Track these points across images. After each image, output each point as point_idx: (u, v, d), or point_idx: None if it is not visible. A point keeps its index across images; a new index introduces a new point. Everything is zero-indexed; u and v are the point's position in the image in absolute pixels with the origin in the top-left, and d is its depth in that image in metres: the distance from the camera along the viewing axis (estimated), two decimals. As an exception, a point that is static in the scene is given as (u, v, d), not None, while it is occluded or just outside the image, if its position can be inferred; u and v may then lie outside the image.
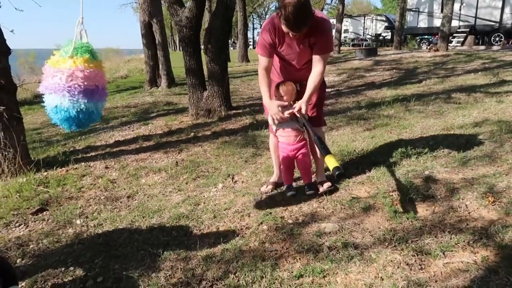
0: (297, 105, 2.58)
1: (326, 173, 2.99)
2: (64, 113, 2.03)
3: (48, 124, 6.40)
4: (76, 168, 3.92)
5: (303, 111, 2.55)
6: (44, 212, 3.01)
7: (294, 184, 2.93)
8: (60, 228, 2.73)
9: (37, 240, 2.55)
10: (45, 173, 3.78)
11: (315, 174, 3.03)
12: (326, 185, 2.85)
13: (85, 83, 2.01)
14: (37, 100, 10.32)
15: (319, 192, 2.83)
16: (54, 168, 3.88)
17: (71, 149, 4.71)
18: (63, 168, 3.92)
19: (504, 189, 2.54)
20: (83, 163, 4.06)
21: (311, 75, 2.60)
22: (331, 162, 2.24)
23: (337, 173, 2.18)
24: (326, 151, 2.35)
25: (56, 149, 4.68)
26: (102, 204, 3.09)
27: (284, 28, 2.39)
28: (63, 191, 3.40)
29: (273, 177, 3.12)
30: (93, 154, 4.42)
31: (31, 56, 36.54)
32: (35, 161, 3.87)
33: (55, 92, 2.01)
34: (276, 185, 3.05)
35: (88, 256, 2.31)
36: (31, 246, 2.49)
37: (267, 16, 57.77)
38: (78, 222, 2.80)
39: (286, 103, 2.67)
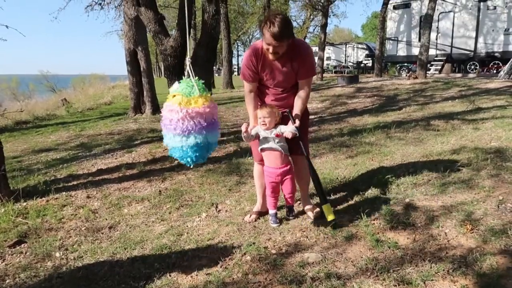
0: (286, 128, 2.67)
1: (312, 207, 3.02)
2: (201, 148, 2.23)
3: (29, 152, 6.31)
4: (56, 198, 3.85)
5: (296, 124, 2.66)
6: (22, 245, 2.93)
7: (277, 213, 2.94)
8: (39, 261, 2.66)
9: (14, 275, 2.48)
10: (25, 204, 3.70)
11: (300, 199, 3.08)
12: (315, 212, 2.92)
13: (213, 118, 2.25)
14: (18, 127, 10.17)
15: (311, 220, 2.87)
16: (34, 198, 3.80)
17: (52, 177, 4.63)
18: (43, 198, 3.85)
19: (482, 217, 2.60)
20: (64, 193, 3.99)
21: (298, 95, 2.74)
22: (328, 213, 2.63)
23: (332, 223, 2.65)
24: (325, 199, 2.68)
25: (36, 178, 4.59)
26: (83, 235, 3.03)
27: (266, 41, 2.49)
28: (42, 222, 3.32)
29: (256, 206, 3.13)
30: (74, 183, 4.35)
31: (13, 81, 36.18)
32: (16, 192, 3.79)
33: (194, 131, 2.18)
34: (260, 214, 3.06)
35: (67, 291, 2.25)
36: (7, 280, 2.42)
37: (251, 44, 58.97)
38: (57, 254, 2.74)
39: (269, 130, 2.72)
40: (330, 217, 2.62)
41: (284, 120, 2.79)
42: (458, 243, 2.34)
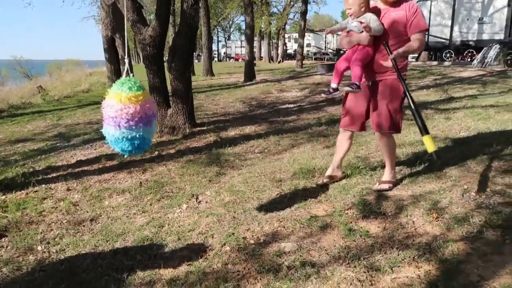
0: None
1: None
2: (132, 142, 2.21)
3: (5, 142, 6.21)
4: (36, 191, 3.85)
5: (391, 56, 2.84)
6: (3, 239, 2.95)
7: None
8: (20, 255, 2.70)
9: (-4, 269, 2.51)
10: (3, 197, 3.70)
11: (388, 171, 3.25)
12: (384, 186, 3.14)
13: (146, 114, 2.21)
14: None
15: (373, 188, 3.16)
16: (13, 191, 3.80)
17: (31, 169, 4.60)
18: (22, 191, 3.85)
19: (447, 205, 2.77)
20: (43, 185, 3.99)
21: (408, 44, 2.90)
22: (429, 144, 2.70)
23: (433, 156, 2.75)
24: (425, 130, 2.73)
25: (14, 170, 4.56)
26: (64, 228, 3.07)
27: None
28: (22, 215, 3.34)
29: (328, 170, 3.46)
30: (54, 175, 4.35)
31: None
32: (-7, 185, 3.78)
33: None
34: (331, 178, 3.38)
35: (50, 284, 2.31)
36: (-10, 275, 2.45)
37: (231, 29, 58.26)
38: (39, 248, 2.78)
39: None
40: (430, 148, 2.71)
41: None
42: (424, 230, 2.51)
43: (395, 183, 3.21)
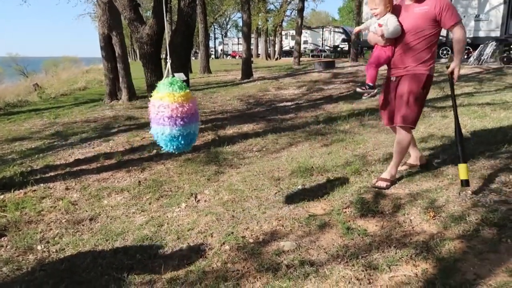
0: (451, 69, 3.02)
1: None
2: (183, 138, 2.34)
3: (2, 141, 6.20)
4: (34, 190, 3.86)
5: (455, 74, 2.96)
6: (2, 238, 2.96)
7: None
8: (20, 254, 2.71)
9: (-4, 269, 2.52)
10: (2, 196, 3.70)
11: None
12: (381, 183, 3.20)
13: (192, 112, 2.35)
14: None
15: (371, 184, 3.26)
16: (12, 190, 3.80)
17: (29, 168, 4.60)
18: (21, 190, 3.85)
19: (444, 204, 2.80)
20: (42, 184, 4.00)
21: (453, 43, 2.96)
22: (462, 173, 2.80)
23: (464, 185, 2.83)
24: (463, 159, 2.82)
25: (12, 169, 4.55)
26: (64, 227, 3.08)
27: None
28: (21, 215, 3.34)
29: (410, 158, 3.52)
30: (52, 174, 4.35)
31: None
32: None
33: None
34: (411, 167, 3.46)
35: (51, 284, 2.32)
36: (-10, 275, 2.46)
37: (228, 26, 58.08)
38: (39, 247, 2.79)
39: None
40: (462, 176, 2.80)
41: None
42: (422, 229, 2.53)
43: (393, 182, 3.24)
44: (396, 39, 3.02)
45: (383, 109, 3.34)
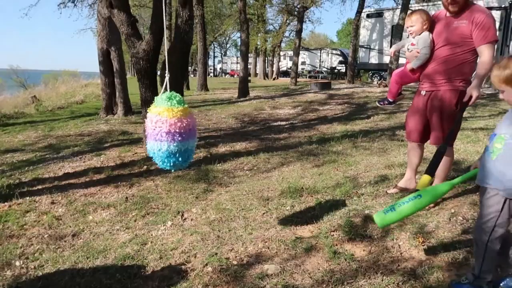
0: (468, 93, 2.77)
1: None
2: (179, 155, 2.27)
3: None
4: (20, 203, 3.78)
5: (474, 96, 2.72)
6: (-19, 253, 2.88)
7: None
8: (-3, 270, 2.63)
9: (-30, 285, 2.44)
10: (-15, 209, 3.62)
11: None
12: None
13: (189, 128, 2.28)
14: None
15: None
16: (-4, 203, 3.73)
17: (17, 181, 4.54)
18: (5, 203, 3.78)
19: (433, 229, 2.75)
20: (28, 198, 3.92)
21: (478, 64, 2.80)
22: (422, 183, 2.61)
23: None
24: (430, 171, 2.68)
25: (0, 181, 4.49)
26: (45, 243, 3.00)
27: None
28: (3, 228, 3.27)
29: (402, 181, 3.47)
30: (39, 187, 4.28)
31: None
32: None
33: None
34: (402, 190, 3.38)
35: (25, 302, 2.24)
36: (-37, 291, 2.38)
37: (228, 45, 58.75)
38: (17, 263, 2.71)
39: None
40: (418, 186, 2.68)
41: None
42: (410, 255, 2.48)
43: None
44: (432, 51, 2.99)
45: (411, 124, 3.28)
